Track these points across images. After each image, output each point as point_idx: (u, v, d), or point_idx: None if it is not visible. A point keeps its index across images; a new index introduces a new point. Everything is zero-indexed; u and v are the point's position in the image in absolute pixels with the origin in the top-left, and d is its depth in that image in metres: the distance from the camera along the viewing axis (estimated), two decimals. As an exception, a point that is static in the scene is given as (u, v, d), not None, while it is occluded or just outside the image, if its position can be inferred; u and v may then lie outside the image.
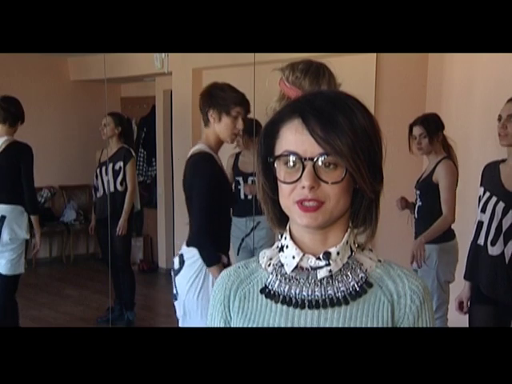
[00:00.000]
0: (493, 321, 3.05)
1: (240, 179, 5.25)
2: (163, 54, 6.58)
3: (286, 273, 1.26)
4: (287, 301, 1.25)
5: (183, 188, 3.41)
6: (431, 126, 4.07)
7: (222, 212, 3.38)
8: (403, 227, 4.34)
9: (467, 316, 3.27)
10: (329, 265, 1.23)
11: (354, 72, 4.53)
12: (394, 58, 4.87)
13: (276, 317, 1.25)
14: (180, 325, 3.22)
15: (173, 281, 3.36)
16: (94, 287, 6.20)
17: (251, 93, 4.79)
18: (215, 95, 3.31)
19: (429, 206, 3.98)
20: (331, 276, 1.24)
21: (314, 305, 1.23)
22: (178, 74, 6.84)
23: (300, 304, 1.24)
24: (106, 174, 5.53)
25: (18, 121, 4.79)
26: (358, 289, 1.23)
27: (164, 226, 7.80)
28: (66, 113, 8.14)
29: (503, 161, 3.14)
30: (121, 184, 5.53)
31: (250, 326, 1.26)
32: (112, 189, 5.51)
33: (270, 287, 1.27)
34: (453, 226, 4.07)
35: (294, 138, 1.18)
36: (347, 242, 1.24)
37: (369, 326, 1.22)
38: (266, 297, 1.27)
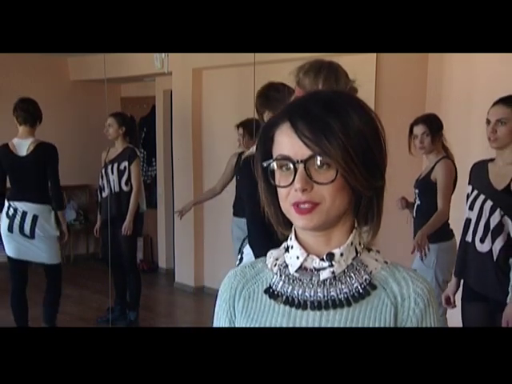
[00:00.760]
0: (484, 318, 3.07)
1: None
2: (163, 53, 6.58)
3: (290, 273, 1.26)
4: (290, 301, 1.25)
5: (240, 189, 3.39)
6: (433, 124, 4.10)
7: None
8: (403, 227, 4.34)
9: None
10: (332, 266, 1.23)
11: (354, 72, 4.53)
12: (394, 58, 4.86)
13: (278, 317, 1.25)
14: None
15: None
16: (94, 287, 6.21)
17: (251, 93, 4.80)
18: (271, 97, 3.32)
19: (427, 205, 4.00)
20: (335, 277, 1.23)
21: (316, 306, 1.23)
22: (178, 74, 6.84)
23: (302, 305, 1.24)
24: (112, 173, 5.52)
25: (37, 121, 5.10)
26: (361, 290, 1.23)
27: (164, 225, 7.80)
28: (66, 113, 8.14)
29: (491, 160, 3.17)
30: (126, 184, 5.51)
31: (252, 325, 1.26)
32: (117, 189, 5.49)
33: (273, 287, 1.27)
34: (452, 226, 4.08)
35: (285, 142, 1.19)
36: (352, 243, 1.24)
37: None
38: (270, 297, 1.27)
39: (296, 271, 1.25)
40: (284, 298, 1.25)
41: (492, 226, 3.03)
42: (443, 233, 3.98)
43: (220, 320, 1.33)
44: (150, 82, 7.77)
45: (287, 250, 1.28)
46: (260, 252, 2.81)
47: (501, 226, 3.01)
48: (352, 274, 1.24)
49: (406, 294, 1.23)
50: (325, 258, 1.23)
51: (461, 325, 3.29)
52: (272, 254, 1.32)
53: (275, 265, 1.30)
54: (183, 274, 7.11)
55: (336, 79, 2.30)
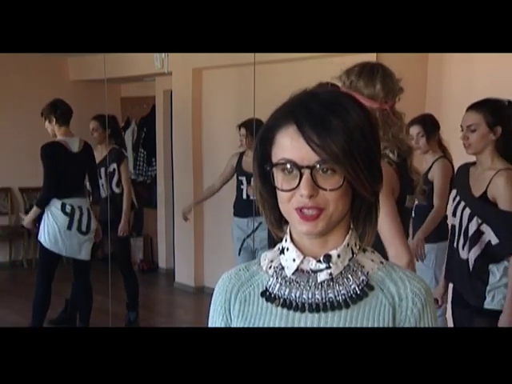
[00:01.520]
0: (467, 323, 3.05)
1: (243, 179, 5.22)
2: (163, 54, 6.58)
3: (286, 276, 1.25)
4: (287, 304, 1.24)
5: None
6: (428, 125, 4.14)
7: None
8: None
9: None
10: (329, 268, 1.22)
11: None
12: (394, 58, 4.86)
13: (276, 320, 1.24)
14: None
15: None
16: (94, 287, 6.18)
17: (251, 93, 4.80)
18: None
19: (426, 205, 4.00)
20: (332, 279, 1.22)
21: (314, 308, 1.22)
22: (178, 74, 6.84)
23: (300, 307, 1.23)
24: (100, 177, 5.49)
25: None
26: (358, 292, 1.22)
27: (164, 225, 7.80)
28: (66, 113, 8.13)
29: (474, 163, 3.13)
30: (117, 186, 5.50)
31: None
32: (108, 191, 5.47)
33: (270, 290, 1.26)
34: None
35: (290, 146, 1.17)
36: (348, 245, 1.23)
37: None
38: (267, 300, 1.26)
39: (293, 273, 1.24)
40: (281, 300, 1.24)
41: (469, 233, 2.99)
42: (442, 232, 3.99)
43: (215, 324, 1.32)
44: (149, 81, 7.77)
45: (282, 251, 1.26)
46: None
47: (478, 235, 2.96)
48: (349, 275, 1.23)
49: (404, 294, 1.22)
50: (322, 259, 1.22)
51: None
52: (266, 255, 1.30)
53: (270, 267, 1.28)
54: (183, 274, 7.11)
55: (391, 80, 2.33)
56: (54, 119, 5.11)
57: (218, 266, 6.41)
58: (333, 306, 1.22)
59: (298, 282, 1.24)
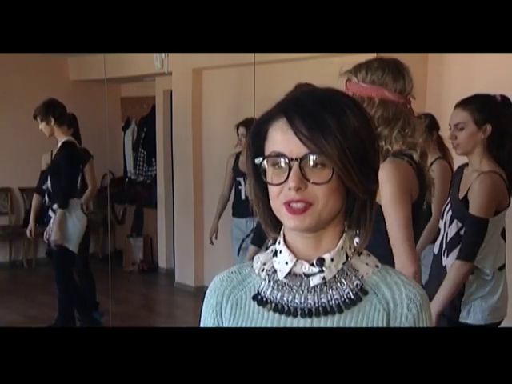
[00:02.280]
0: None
1: (241, 180, 5.23)
2: (163, 54, 6.58)
3: (278, 279, 1.23)
4: (279, 309, 1.21)
5: None
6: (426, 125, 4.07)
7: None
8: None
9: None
10: (322, 272, 1.19)
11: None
12: (382, 57, 4.85)
13: (268, 325, 1.22)
14: None
15: None
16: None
17: (251, 93, 4.80)
18: None
19: (426, 207, 3.96)
20: (325, 283, 1.20)
21: (307, 313, 1.19)
22: (178, 74, 6.84)
23: (292, 312, 1.20)
24: None
25: None
26: (352, 297, 1.19)
27: (164, 225, 7.80)
28: (66, 113, 8.13)
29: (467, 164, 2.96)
30: (79, 185, 5.44)
31: None
32: None
33: (262, 294, 1.24)
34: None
35: (280, 139, 1.16)
36: (342, 248, 1.21)
37: None
38: (258, 304, 1.23)
39: (285, 277, 1.22)
40: (273, 305, 1.22)
41: (449, 238, 2.82)
42: None
43: (206, 326, 1.30)
44: (150, 81, 7.77)
45: (275, 254, 1.24)
46: None
47: (457, 239, 2.78)
48: (343, 280, 1.20)
49: (399, 299, 1.20)
50: (315, 263, 1.20)
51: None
52: (259, 258, 1.28)
53: (263, 270, 1.25)
54: (183, 274, 7.11)
55: (411, 76, 2.26)
56: (53, 120, 5.08)
57: (218, 266, 6.41)
58: (325, 310, 1.19)
59: (290, 286, 1.21)
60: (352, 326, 1.19)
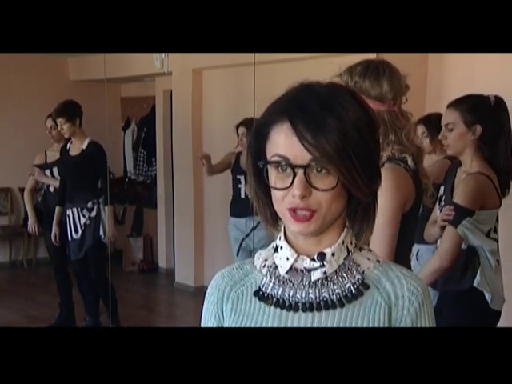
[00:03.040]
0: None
1: (241, 178, 5.22)
2: (163, 54, 6.58)
3: (280, 275, 1.23)
4: (280, 304, 1.22)
5: None
6: (432, 125, 4.06)
7: None
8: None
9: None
10: (323, 266, 1.20)
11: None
12: (394, 58, 4.86)
13: (269, 320, 1.22)
14: None
15: None
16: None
17: (251, 93, 4.80)
18: None
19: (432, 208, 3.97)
20: (326, 278, 1.20)
21: (308, 308, 1.20)
22: (178, 74, 6.84)
23: (294, 307, 1.21)
24: (53, 175, 5.50)
25: None
26: (353, 291, 1.20)
27: (164, 225, 7.80)
28: (66, 113, 8.13)
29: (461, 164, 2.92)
30: None
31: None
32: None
33: (263, 289, 1.24)
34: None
35: (284, 143, 1.15)
36: (343, 242, 1.21)
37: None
38: (260, 299, 1.24)
39: (286, 272, 1.22)
40: (274, 300, 1.22)
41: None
42: None
43: (208, 323, 1.31)
44: (150, 81, 7.77)
45: (276, 250, 1.25)
46: None
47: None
48: (344, 274, 1.21)
49: (400, 293, 1.20)
50: (316, 258, 1.20)
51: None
52: (260, 254, 1.29)
53: (264, 266, 1.26)
54: (183, 274, 7.11)
55: (398, 78, 2.20)
56: (78, 120, 5.16)
57: (218, 266, 6.38)
58: (327, 305, 1.20)
59: (291, 281, 1.22)
60: (354, 319, 1.19)
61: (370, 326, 1.19)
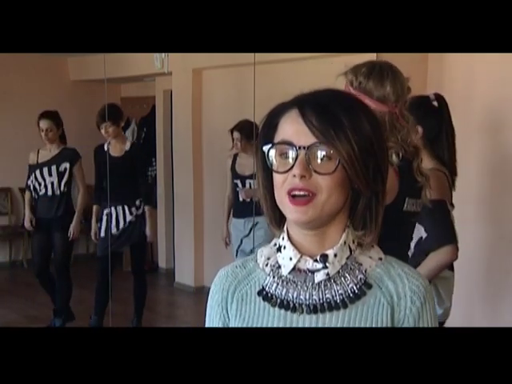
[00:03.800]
0: None
1: (238, 182, 5.23)
2: (163, 54, 6.58)
3: (283, 275, 1.24)
4: (284, 305, 1.23)
5: None
6: None
7: None
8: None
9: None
10: (326, 268, 1.21)
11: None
12: (393, 58, 4.86)
13: (274, 321, 1.23)
14: None
15: None
16: (94, 287, 6.19)
17: (251, 93, 4.80)
18: None
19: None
20: (329, 278, 1.21)
21: (312, 309, 1.21)
22: (178, 74, 6.84)
23: (298, 308, 1.22)
24: (50, 175, 5.42)
25: None
26: (356, 291, 1.21)
27: (164, 225, 7.79)
28: (66, 113, 8.11)
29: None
30: (65, 186, 5.45)
31: None
32: (57, 191, 5.41)
33: (267, 289, 1.25)
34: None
35: (290, 128, 1.18)
36: (345, 242, 1.22)
37: None
38: (264, 299, 1.25)
39: (289, 273, 1.23)
40: (278, 301, 1.23)
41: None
42: None
43: (213, 322, 1.31)
44: (150, 81, 7.77)
45: (279, 249, 1.25)
46: None
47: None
48: (347, 274, 1.22)
49: (402, 292, 1.21)
50: (318, 259, 1.21)
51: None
52: (263, 251, 1.29)
53: (267, 264, 1.27)
54: (183, 274, 7.11)
55: (401, 81, 2.24)
56: (122, 123, 5.36)
57: (218, 265, 6.37)
58: (330, 306, 1.21)
59: (295, 282, 1.23)
60: (357, 320, 1.20)
61: (374, 326, 1.19)
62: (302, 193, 1.16)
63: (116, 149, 5.24)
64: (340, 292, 1.21)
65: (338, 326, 1.20)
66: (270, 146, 1.19)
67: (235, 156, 5.30)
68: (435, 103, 2.86)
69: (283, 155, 1.18)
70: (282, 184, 1.18)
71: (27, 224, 5.54)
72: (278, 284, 1.24)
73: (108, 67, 5.17)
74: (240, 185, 5.22)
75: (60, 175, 5.43)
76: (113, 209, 5.18)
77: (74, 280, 5.65)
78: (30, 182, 5.52)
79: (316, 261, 1.21)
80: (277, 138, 1.20)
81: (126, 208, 5.20)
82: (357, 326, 1.20)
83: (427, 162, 2.79)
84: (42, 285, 5.61)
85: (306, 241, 1.22)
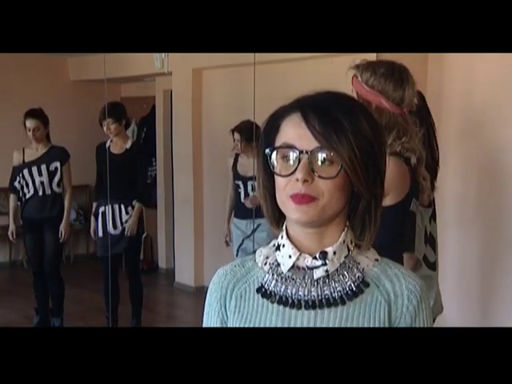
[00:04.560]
0: None
1: (240, 183, 5.22)
2: (163, 54, 6.58)
3: (282, 272, 1.25)
4: (283, 301, 1.24)
5: None
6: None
7: None
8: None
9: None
10: (325, 264, 1.22)
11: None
12: (393, 58, 4.86)
13: (272, 317, 1.24)
14: None
15: None
16: (94, 287, 6.20)
17: (251, 93, 4.80)
18: None
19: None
20: (328, 276, 1.23)
21: (311, 305, 1.22)
22: (178, 74, 6.84)
23: (296, 304, 1.23)
24: (40, 175, 5.36)
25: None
26: (354, 288, 1.23)
27: (164, 226, 7.80)
28: (66, 113, 8.13)
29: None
30: (58, 185, 5.40)
31: (246, 325, 1.26)
32: (48, 191, 5.36)
33: (266, 287, 1.26)
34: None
35: (293, 132, 1.19)
36: (344, 242, 1.24)
37: (365, 326, 1.21)
38: (263, 296, 1.26)
39: (288, 270, 1.25)
40: (277, 297, 1.25)
41: None
42: None
43: (211, 320, 1.32)
44: (150, 81, 7.77)
45: (278, 248, 1.27)
46: None
47: None
48: (345, 272, 1.23)
49: (399, 291, 1.23)
50: (318, 256, 1.23)
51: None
52: (261, 251, 1.31)
53: (266, 263, 1.28)
54: (183, 274, 7.11)
55: (414, 87, 2.28)
56: (124, 121, 5.30)
57: (218, 265, 6.37)
58: (329, 302, 1.22)
59: (294, 279, 1.24)
60: (355, 317, 1.22)
61: (371, 323, 1.21)
62: (304, 197, 1.18)
63: (117, 146, 5.22)
64: (338, 289, 1.23)
65: (336, 322, 1.21)
66: (272, 149, 1.20)
67: (237, 156, 5.30)
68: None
69: (285, 158, 1.19)
70: (285, 187, 1.19)
71: (10, 236, 5.50)
72: (276, 281, 1.26)
73: (108, 67, 5.17)
74: (242, 186, 5.21)
75: (51, 174, 5.37)
76: (109, 207, 5.16)
77: (73, 280, 5.65)
78: (16, 184, 5.41)
79: (315, 258, 1.23)
80: (278, 141, 1.21)
81: (123, 207, 5.16)
82: (354, 322, 1.21)
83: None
84: (35, 283, 5.55)
85: (306, 239, 1.24)
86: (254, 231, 5.05)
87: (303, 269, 1.24)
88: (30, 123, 5.38)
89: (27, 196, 5.40)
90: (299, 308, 1.23)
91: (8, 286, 7.49)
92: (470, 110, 4.87)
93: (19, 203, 5.49)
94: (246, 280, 1.29)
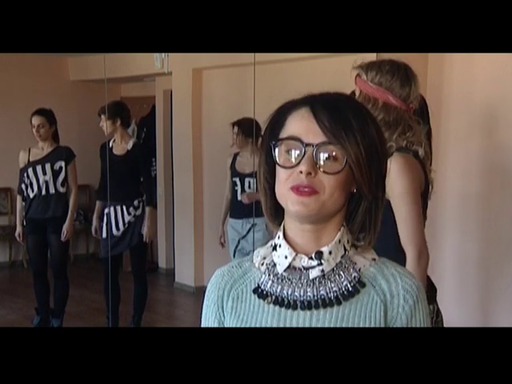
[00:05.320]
0: None
1: (237, 180, 5.20)
2: (163, 54, 6.58)
3: (278, 273, 1.25)
4: (279, 301, 1.24)
5: None
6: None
7: None
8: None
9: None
10: (321, 264, 1.22)
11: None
12: (393, 58, 4.85)
13: (268, 317, 1.24)
14: None
15: None
16: (94, 287, 6.21)
17: (251, 93, 4.80)
18: None
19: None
20: (324, 276, 1.23)
21: (306, 305, 1.22)
22: (178, 74, 6.84)
23: (292, 305, 1.23)
24: (44, 174, 5.34)
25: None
26: (350, 288, 1.22)
27: (164, 225, 7.80)
28: (66, 113, 8.12)
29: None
30: (62, 185, 5.38)
31: (242, 326, 1.26)
32: (52, 190, 5.34)
33: (262, 287, 1.26)
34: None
35: (300, 125, 1.19)
36: (340, 241, 1.24)
37: (361, 326, 1.21)
38: (259, 297, 1.26)
39: (284, 270, 1.25)
40: (273, 297, 1.25)
41: None
42: None
43: (209, 321, 1.32)
44: (149, 82, 7.77)
45: (275, 248, 1.27)
46: None
47: None
48: (341, 272, 1.23)
49: (395, 291, 1.23)
50: (313, 256, 1.23)
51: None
52: (259, 252, 1.31)
53: (263, 264, 1.28)
54: (183, 274, 7.11)
55: (418, 84, 2.33)
56: (120, 121, 5.19)
57: (218, 266, 6.37)
58: (324, 303, 1.22)
59: (289, 279, 1.24)
60: (351, 317, 1.21)
61: (367, 323, 1.21)
62: (306, 189, 1.18)
63: (118, 147, 5.21)
64: (334, 289, 1.23)
65: (332, 322, 1.21)
66: (277, 140, 1.21)
67: (235, 155, 5.29)
68: None
69: (289, 151, 1.19)
70: (286, 180, 1.19)
71: (17, 238, 5.50)
72: (273, 282, 1.26)
73: (108, 67, 5.18)
74: (239, 183, 5.18)
75: (55, 174, 5.35)
76: (112, 208, 5.15)
77: (74, 280, 5.65)
78: (22, 185, 5.40)
79: (311, 258, 1.23)
80: (283, 134, 1.21)
81: (125, 208, 5.15)
82: (350, 322, 1.21)
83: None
84: (36, 285, 5.52)
85: (303, 238, 1.24)
86: (249, 230, 5.03)
87: (299, 269, 1.24)
88: (34, 120, 5.37)
89: (31, 196, 5.38)
90: (295, 308, 1.23)
91: (8, 286, 7.49)
92: (470, 109, 4.87)
93: (24, 203, 5.48)
94: (243, 281, 1.29)
